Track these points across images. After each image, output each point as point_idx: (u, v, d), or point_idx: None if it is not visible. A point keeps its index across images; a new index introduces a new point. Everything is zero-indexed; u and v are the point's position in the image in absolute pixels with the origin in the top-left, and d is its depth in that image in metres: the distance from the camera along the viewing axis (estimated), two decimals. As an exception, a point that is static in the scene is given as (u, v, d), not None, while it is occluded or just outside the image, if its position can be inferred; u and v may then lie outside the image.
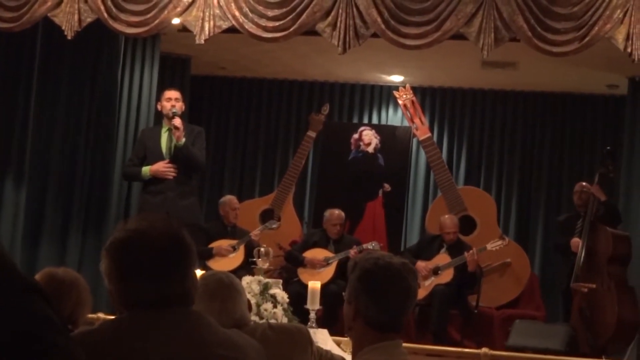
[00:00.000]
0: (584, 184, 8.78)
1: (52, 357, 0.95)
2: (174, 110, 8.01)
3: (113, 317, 2.38)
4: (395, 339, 2.74)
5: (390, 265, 2.72)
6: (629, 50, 7.05)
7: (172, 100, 8.13)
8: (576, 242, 8.21)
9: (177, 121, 7.95)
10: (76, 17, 7.75)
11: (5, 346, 0.92)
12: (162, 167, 7.99)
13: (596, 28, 7.11)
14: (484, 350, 6.89)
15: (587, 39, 7.16)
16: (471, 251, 8.41)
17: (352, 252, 8.55)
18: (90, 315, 4.39)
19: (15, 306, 0.90)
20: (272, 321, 6.19)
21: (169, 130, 8.06)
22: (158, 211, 7.75)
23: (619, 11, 7.07)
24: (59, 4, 7.77)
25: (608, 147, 8.80)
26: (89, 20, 7.80)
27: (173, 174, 7.96)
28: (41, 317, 0.93)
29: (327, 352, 3.83)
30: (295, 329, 3.72)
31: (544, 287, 9.48)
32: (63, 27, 7.77)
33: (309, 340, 3.53)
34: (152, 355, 2.17)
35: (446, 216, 8.83)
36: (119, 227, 2.40)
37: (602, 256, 7.90)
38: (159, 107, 8.34)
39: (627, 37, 7.04)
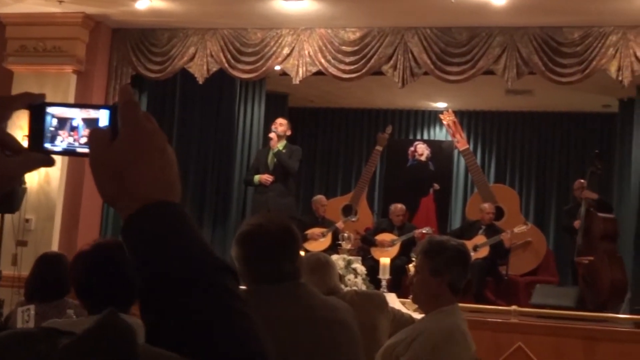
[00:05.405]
0: (582, 181, 8.53)
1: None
2: (274, 130, 8.19)
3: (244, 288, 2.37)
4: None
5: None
6: (620, 78, 6.96)
7: (277, 124, 8.25)
8: (579, 225, 8.01)
9: (272, 134, 8.17)
10: (205, 67, 7.84)
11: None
12: (264, 177, 8.09)
13: (594, 62, 7.01)
14: (514, 307, 6.80)
15: (587, 71, 7.07)
16: (507, 233, 8.28)
17: (417, 233, 8.44)
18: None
19: (214, 282, 0.82)
20: (354, 288, 6.15)
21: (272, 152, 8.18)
22: (264, 207, 7.83)
23: (611, 49, 6.98)
24: (192, 59, 7.87)
25: (597, 150, 8.50)
26: (214, 69, 7.89)
27: (270, 181, 8.07)
28: (235, 293, 0.85)
29: (399, 311, 3.78)
30: (375, 294, 3.69)
31: (557, 259, 9.26)
32: (195, 75, 7.87)
33: (386, 303, 3.49)
34: (274, 318, 2.16)
35: (486, 204, 8.70)
36: (245, 222, 2.39)
37: (597, 235, 7.69)
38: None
39: (619, 69, 6.96)
